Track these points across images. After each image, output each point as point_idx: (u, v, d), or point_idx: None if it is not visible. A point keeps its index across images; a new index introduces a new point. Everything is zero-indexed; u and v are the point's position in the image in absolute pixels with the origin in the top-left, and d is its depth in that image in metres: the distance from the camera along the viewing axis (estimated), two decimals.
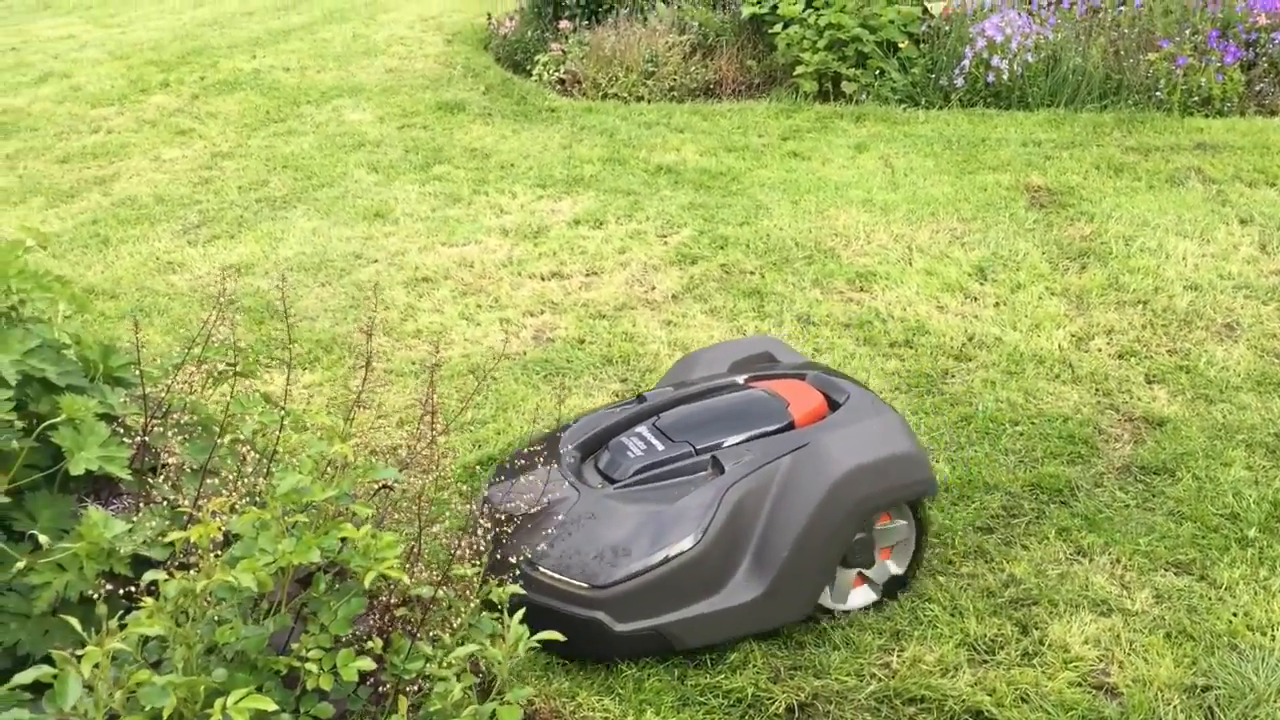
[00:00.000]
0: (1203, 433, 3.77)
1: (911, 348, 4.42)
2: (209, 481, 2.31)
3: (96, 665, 1.58)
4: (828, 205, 5.89)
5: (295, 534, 2.02)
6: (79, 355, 2.50)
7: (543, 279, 5.21)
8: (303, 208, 6.24)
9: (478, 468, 3.67)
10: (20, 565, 2.01)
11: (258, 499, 2.22)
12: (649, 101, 8.10)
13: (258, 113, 8.29)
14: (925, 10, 7.95)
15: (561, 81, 8.60)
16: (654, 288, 5.05)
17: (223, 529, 1.97)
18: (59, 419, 2.18)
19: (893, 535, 3.01)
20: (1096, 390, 4.07)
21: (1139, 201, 5.71)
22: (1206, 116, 6.97)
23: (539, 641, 2.15)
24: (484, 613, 2.35)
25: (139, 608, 1.85)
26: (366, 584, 2.03)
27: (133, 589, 1.98)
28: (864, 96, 7.71)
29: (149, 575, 1.87)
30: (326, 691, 1.98)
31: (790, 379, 3.32)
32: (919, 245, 5.33)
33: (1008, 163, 6.38)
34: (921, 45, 7.82)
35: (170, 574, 1.86)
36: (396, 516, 2.66)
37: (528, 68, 9.02)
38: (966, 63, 7.44)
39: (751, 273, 5.15)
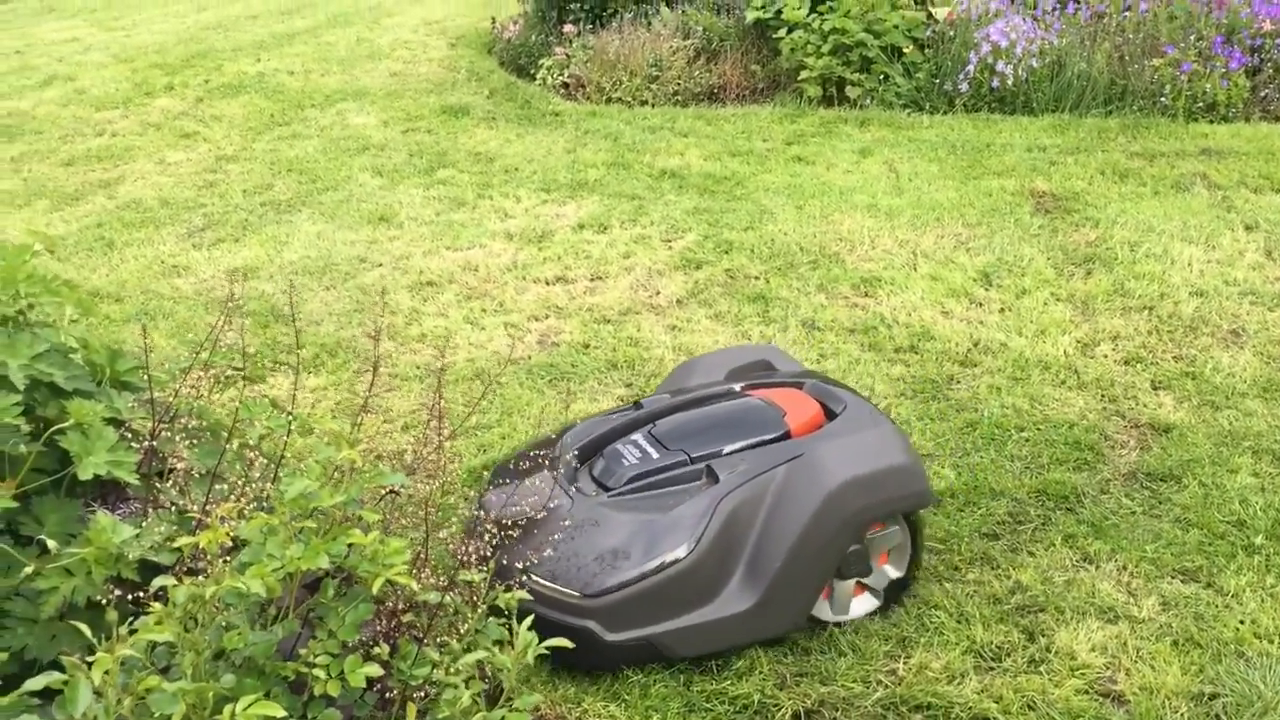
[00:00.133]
0: (1209, 439, 3.76)
1: (917, 353, 4.41)
2: (217, 487, 2.31)
3: (106, 672, 1.58)
4: (832, 210, 5.89)
5: (303, 539, 2.02)
6: (86, 359, 2.51)
7: (547, 283, 5.21)
8: (307, 211, 6.24)
9: (484, 473, 3.66)
10: (28, 570, 2.01)
11: (265, 504, 2.22)
12: (653, 106, 8.10)
13: (262, 116, 8.30)
14: (930, 15, 7.96)
15: (565, 86, 8.60)
16: (658, 292, 5.05)
17: (231, 534, 1.97)
18: (67, 424, 2.18)
19: (888, 541, 3.00)
20: (1102, 396, 4.07)
21: (1144, 207, 5.71)
22: (1211, 122, 6.97)
23: (547, 648, 2.15)
24: (490, 618, 2.35)
25: (146, 613, 1.85)
26: (375, 590, 2.02)
27: (140, 594, 1.98)
28: (868, 101, 7.71)
29: (158, 581, 1.87)
30: (334, 697, 1.98)
31: (787, 388, 3.31)
32: (924, 250, 5.33)
33: (1012, 168, 6.38)
34: (926, 50, 7.82)
35: (179, 580, 1.86)
36: (403, 522, 2.66)
37: (532, 72, 9.03)
38: (971, 68, 7.44)
39: (756, 278, 5.15)
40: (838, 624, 2.96)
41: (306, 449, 2.34)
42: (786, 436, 3.05)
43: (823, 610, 2.96)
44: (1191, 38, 7.24)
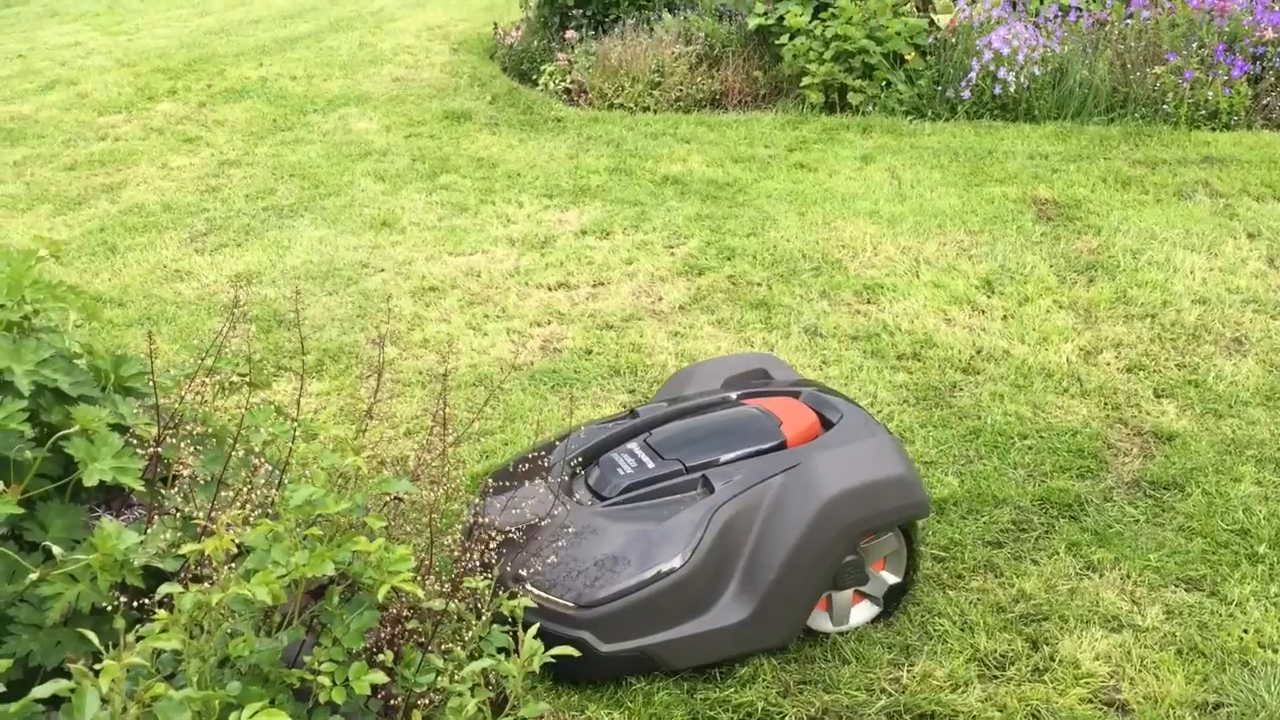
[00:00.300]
0: (1212, 447, 3.76)
1: (919, 360, 4.41)
2: (222, 493, 2.31)
3: (113, 679, 1.58)
4: (834, 217, 5.89)
5: (308, 546, 2.02)
6: (90, 365, 2.51)
7: (549, 289, 5.21)
8: (310, 216, 6.25)
9: (487, 479, 3.66)
10: (33, 576, 2.01)
11: (270, 511, 2.22)
12: (655, 112, 8.11)
13: (265, 121, 8.30)
14: (932, 22, 7.96)
15: (568, 91, 8.61)
16: (661, 299, 5.05)
17: (236, 541, 1.97)
18: (72, 429, 2.18)
19: (883, 549, 2.99)
20: (1105, 404, 4.07)
21: (1146, 215, 5.71)
22: (1213, 130, 6.97)
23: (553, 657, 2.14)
24: (495, 626, 2.35)
25: (152, 620, 1.85)
26: (380, 597, 2.02)
27: (145, 601, 1.98)
28: (870, 108, 7.72)
29: (164, 588, 1.86)
30: (339, 705, 1.98)
31: (784, 397, 3.31)
32: (926, 257, 5.33)
33: (1015, 175, 6.38)
34: (928, 57, 7.83)
35: (184, 586, 1.86)
36: (406, 528, 2.66)
37: (534, 77, 9.04)
38: (973, 75, 7.45)
39: (759, 284, 5.15)
40: (840, 634, 2.96)
41: (311, 455, 2.34)
42: (783, 446, 3.04)
43: (822, 622, 2.95)
44: (1194, 45, 7.24)
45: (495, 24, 10.65)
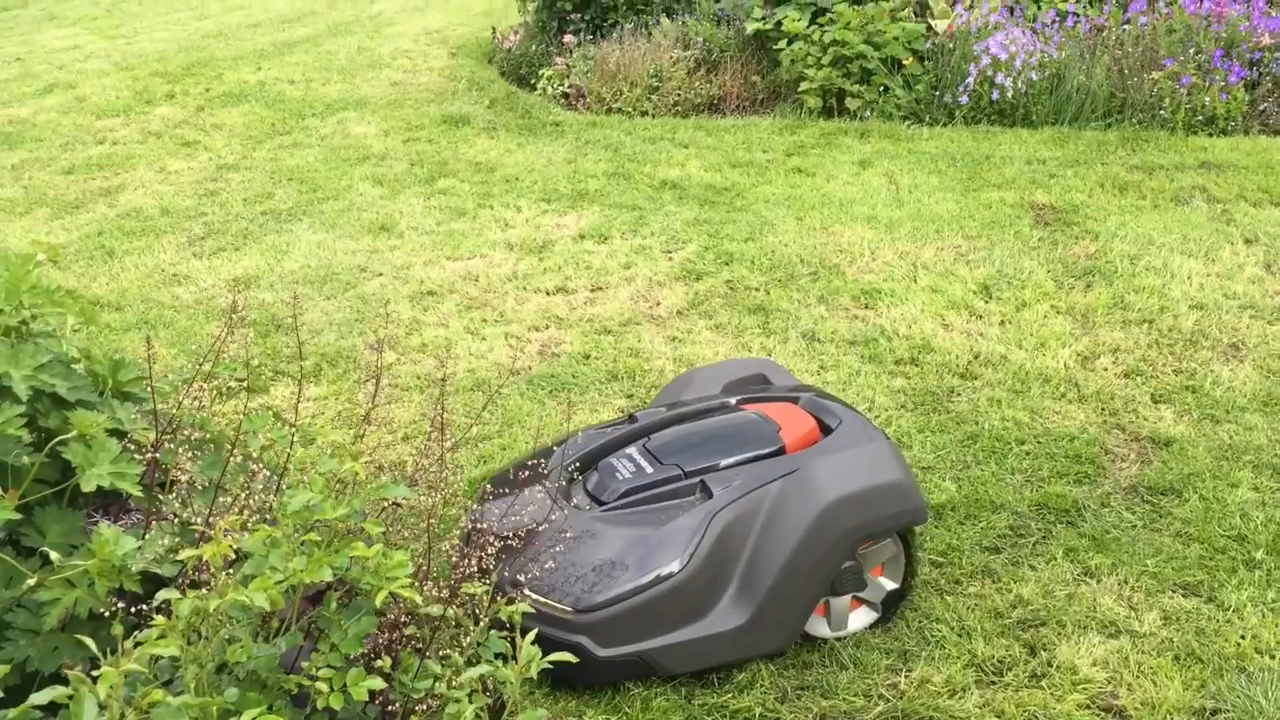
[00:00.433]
0: (1209, 453, 3.77)
1: (917, 365, 4.42)
2: (219, 499, 2.31)
3: (111, 686, 1.58)
4: (832, 222, 5.90)
5: (306, 552, 2.02)
6: (88, 370, 2.51)
7: (548, 294, 5.21)
8: (308, 220, 6.25)
9: (485, 484, 3.66)
10: (30, 582, 2.01)
11: (268, 516, 2.22)
12: (653, 116, 8.11)
13: (263, 125, 8.31)
14: (929, 27, 7.98)
15: (566, 96, 8.62)
16: (659, 303, 5.06)
17: (234, 547, 1.97)
18: (70, 435, 2.18)
19: (881, 554, 2.99)
20: (1102, 410, 4.07)
21: (1144, 220, 5.72)
22: (1210, 136, 6.98)
23: (550, 663, 2.14)
24: (492, 631, 2.35)
25: (149, 626, 1.84)
26: (378, 603, 2.02)
27: (143, 607, 1.98)
28: (868, 113, 7.73)
29: (162, 594, 1.86)
30: (336, 711, 1.98)
31: (783, 402, 3.31)
32: (924, 263, 5.34)
33: (1012, 180, 6.39)
34: (926, 62, 7.84)
35: (182, 592, 1.86)
36: (404, 533, 2.66)
37: (532, 82, 9.05)
38: (971, 80, 7.46)
39: (757, 289, 5.15)
40: (838, 639, 2.96)
41: (309, 460, 2.34)
42: (781, 452, 3.04)
43: (820, 628, 2.95)
44: (1191, 51, 7.26)
45: (493, 28, 10.66)
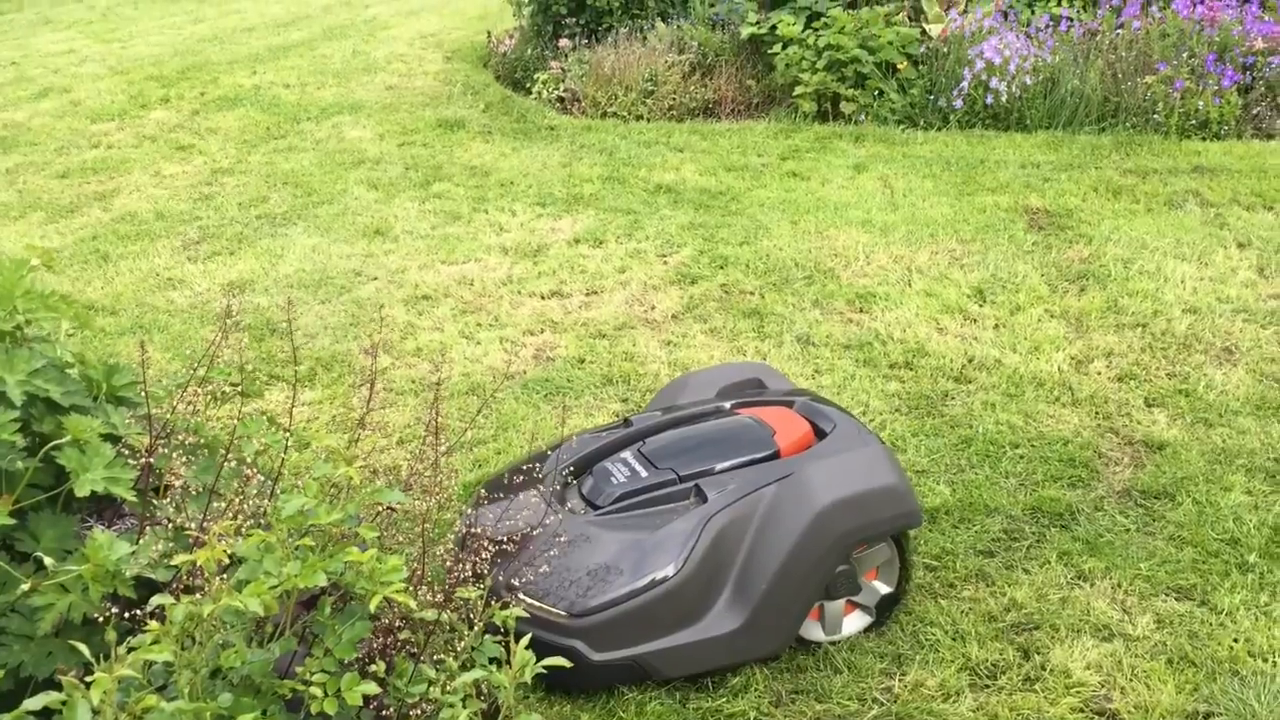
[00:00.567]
0: (1202, 457, 3.78)
1: (911, 369, 4.43)
2: (214, 504, 2.31)
3: (105, 691, 1.58)
4: (827, 226, 5.91)
5: (300, 557, 2.02)
6: (82, 375, 2.51)
7: (543, 298, 5.21)
8: (303, 224, 6.25)
9: (479, 489, 3.66)
10: (24, 587, 2.01)
11: (263, 521, 2.22)
12: (648, 120, 8.12)
13: (258, 129, 8.31)
14: (924, 32, 8.00)
15: (561, 100, 8.63)
16: (654, 307, 5.06)
17: (228, 552, 1.97)
18: (64, 439, 2.18)
19: (875, 558, 3.00)
20: (1096, 413, 4.08)
21: (1137, 224, 5.74)
22: (1204, 140, 7.00)
23: (544, 668, 2.14)
24: (487, 636, 2.35)
25: (143, 631, 1.85)
26: (372, 608, 2.03)
27: (137, 612, 1.98)
28: (863, 117, 7.74)
29: (156, 599, 1.86)
30: (331, 716, 1.98)
31: (777, 406, 3.31)
32: (918, 266, 5.35)
33: (1006, 184, 6.41)
34: (920, 67, 7.86)
35: (176, 597, 1.86)
36: (399, 538, 2.66)
37: (527, 86, 9.05)
38: (965, 84, 7.47)
39: (751, 293, 5.16)
40: (832, 643, 2.96)
41: (303, 464, 2.34)
42: (776, 456, 3.05)
43: (814, 632, 2.95)
44: (1184, 55, 7.28)
45: (488, 32, 10.67)
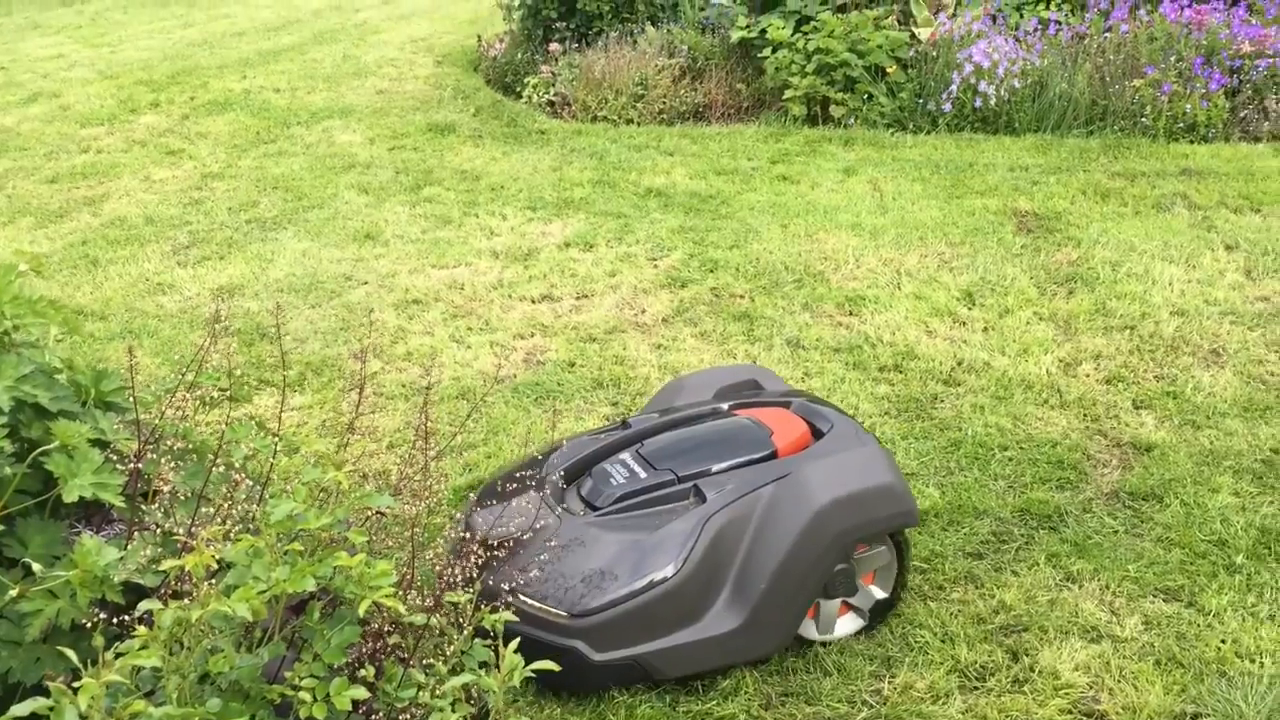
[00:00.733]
0: (1190, 459, 3.79)
1: (901, 372, 4.44)
2: (202, 509, 2.31)
3: (92, 697, 1.58)
4: (817, 229, 5.92)
5: (289, 562, 2.02)
6: (70, 380, 2.50)
7: (533, 301, 5.22)
8: (293, 229, 6.24)
9: (469, 493, 3.66)
10: (12, 593, 2.01)
11: (251, 526, 2.22)
12: (638, 124, 8.13)
13: (248, 133, 8.30)
14: (913, 36, 8.02)
15: (551, 104, 8.63)
16: (644, 311, 5.07)
17: (216, 557, 1.97)
18: (52, 445, 2.18)
19: (873, 561, 3.01)
20: (1084, 415, 4.09)
21: (1125, 227, 5.76)
22: (1191, 143, 7.04)
23: (534, 671, 2.15)
24: (476, 640, 2.35)
25: (131, 636, 1.84)
26: (361, 612, 2.03)
27: (125, 617, 1.98)
28: (852, 121, 7.76)
29: (144, 604, 1.86)
30: None
31: (774, 407, 3.33)
32: (908, 270, 5.36)
33: (995, 188, 6.43)
34: (909, 70, 7.88)
35: (164, 603, 1.86)
36: (388, 542, 2.66)
37: (518, 90, 9.06)
38: (954, 88, 7.50)
39: (741, 296, 5.17)
40: (823, 643, 2.97)
41: (292, 469, 2.34)
42: (774, 456, 3.06)
43: (808, 629, 2.97)
44: (1172, 59, 7.31)
45: (479, 36, 10.67)
